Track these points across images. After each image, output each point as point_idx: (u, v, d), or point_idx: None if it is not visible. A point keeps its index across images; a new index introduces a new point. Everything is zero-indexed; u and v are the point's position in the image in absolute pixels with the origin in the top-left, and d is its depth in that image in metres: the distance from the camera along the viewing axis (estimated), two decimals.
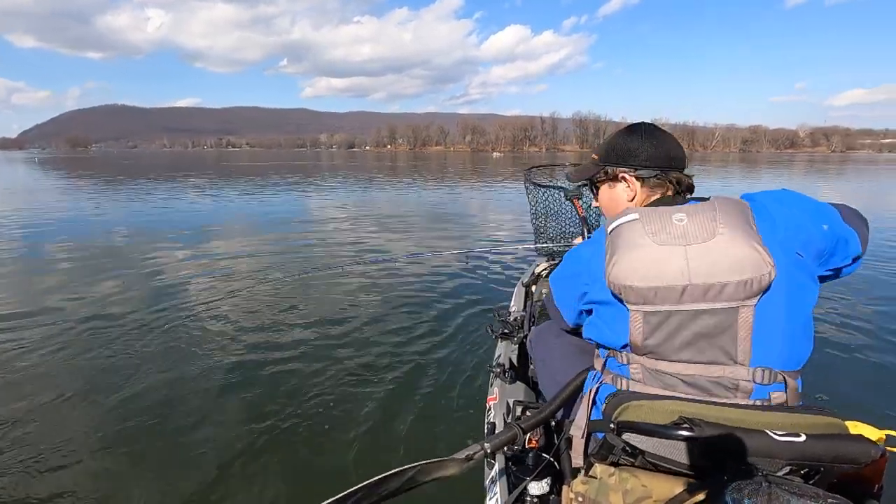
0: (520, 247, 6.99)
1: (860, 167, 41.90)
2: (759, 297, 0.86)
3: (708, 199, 0.99)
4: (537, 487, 1.13)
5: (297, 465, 2.30)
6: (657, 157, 1.09)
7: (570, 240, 2.91)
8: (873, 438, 0.79)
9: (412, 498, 2.04)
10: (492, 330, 2.25)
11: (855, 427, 0.83)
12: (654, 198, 1.11)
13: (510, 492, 1.17)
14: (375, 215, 11.22)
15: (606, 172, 1.17)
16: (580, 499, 0.90)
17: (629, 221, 0.95)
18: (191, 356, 3.48)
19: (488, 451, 0.94)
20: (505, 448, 1.31)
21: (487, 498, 1.35)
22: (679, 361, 0.91)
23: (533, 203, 3.03)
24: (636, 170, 1.11)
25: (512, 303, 2.85)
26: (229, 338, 3.84)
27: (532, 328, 2.09)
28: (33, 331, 3.98)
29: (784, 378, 0.89)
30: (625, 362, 0.97)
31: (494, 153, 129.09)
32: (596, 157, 1.20)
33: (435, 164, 45.76)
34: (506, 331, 2.24)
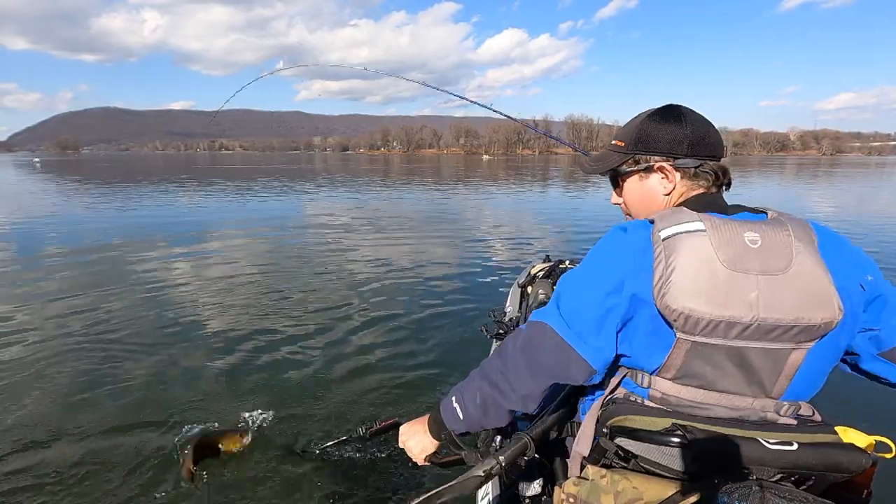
0: (515, 251, 6.89)
1: (851, 171, 42.33)
2: (817, 341, 0.79)
3: (764, 212, 0.87)
4: (529, 488, 1.10)
5: (296, 474, 2.20)
6: (698, 144, 0.93)
7: None
8: (863, 445, 0.79)
9: (402, 493, 2.03)
10: (487, 330, 2.18)
11: (845, 433, 0.82)
12: (695, 192, 0.95)
13: (502, 492, 1.15)
14: (371, 218, 11.10)
15: (637, 162, 0.98)
16: (571, 500, 0.88)
17: (694, 232, 0.79)
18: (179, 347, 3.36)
19: (503, 464, 0.92)
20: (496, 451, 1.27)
21: (479, 498, 1.30)
22: (708, 389, 0.83)
23: None
24: (676, 158, 0.94)
25: (507, 303, 2.78)
26: (228, 349, 3.70)
27: None
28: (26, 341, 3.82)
29: (807, 408, 0.85)
30: (645, 385, 0.87)
31: (485, 156, 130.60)
32: (621, 143, 1.01)
33: (430, 167, 45.68)
34: (501, 331, 2.19)
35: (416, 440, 1.06)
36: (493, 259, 6.66)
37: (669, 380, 0.84)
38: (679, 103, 0.99)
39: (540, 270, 2.65)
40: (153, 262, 6.40)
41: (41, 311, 4.40)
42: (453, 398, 0.98)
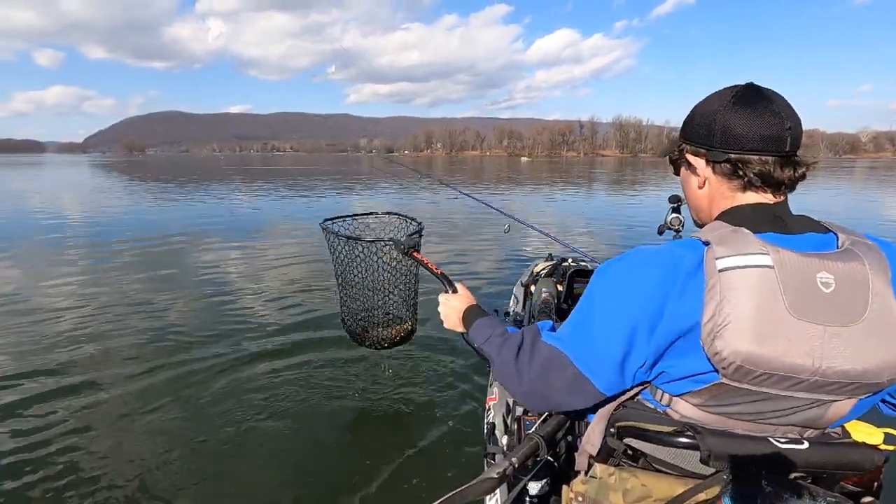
0: (529, 248, 6.86)
1: None
2: (872, 394, 0.71)
3: (832, 232, 0.76)
4: (537, 487, 1.12)
5: (300, 468, 2.31)
6: (727, 134, 0.79)
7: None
8: (873, 439, 0.76)
9: (411, 496, 2.08)
10: None
11: (854, 428, 0.78)
12: (738, 196, 0.82)
13: (510, 491, 1.16)
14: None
15: (680, 151, 0.89)
16: (580, 498, 0.86)
17: (760, 267, 0.67)
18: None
19: (516, 465, 0.92)
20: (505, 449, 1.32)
21: (487, 498, 1.34)
22: (734, 419, 0.77)
23: (340, 265, 2.19)
24: (709, 150, 0.82)
25: (511, 302, 2.84)
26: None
27: None
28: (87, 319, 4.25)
29: (832, 431, 0.80)
30: (664, 402, 0.81)
31: (522, 158, 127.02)
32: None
33: (469, 168, 45.48)
34: None
35: (451, 316, 1.20)
36: (499, 256, 6.66)
37: (694, 405, 0.78)
38: (752, 83, 0.81)
39: (543, 269, 2.71)
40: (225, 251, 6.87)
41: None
42: (483, 338, 1.01)
